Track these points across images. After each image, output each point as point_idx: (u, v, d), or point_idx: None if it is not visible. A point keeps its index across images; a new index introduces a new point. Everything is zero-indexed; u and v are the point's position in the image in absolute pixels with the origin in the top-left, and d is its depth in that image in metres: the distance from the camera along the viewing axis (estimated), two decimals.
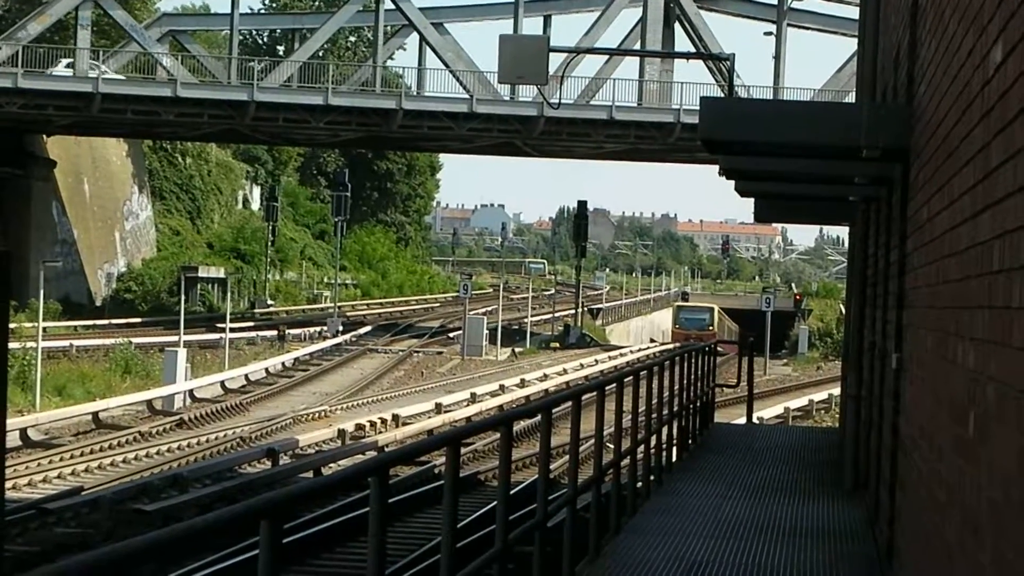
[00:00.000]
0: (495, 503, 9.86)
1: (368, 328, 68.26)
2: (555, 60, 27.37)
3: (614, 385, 12.80)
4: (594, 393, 12.12)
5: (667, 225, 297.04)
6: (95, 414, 34.51)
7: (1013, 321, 4.52)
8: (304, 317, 75.28)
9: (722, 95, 45.23)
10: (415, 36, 66.67)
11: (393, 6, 64.57)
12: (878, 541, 12.00)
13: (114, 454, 28.41)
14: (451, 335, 65.80)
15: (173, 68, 64.20)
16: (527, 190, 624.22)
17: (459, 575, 7.45)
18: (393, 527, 19.99)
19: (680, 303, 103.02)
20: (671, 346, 63.46)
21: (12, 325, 53.60)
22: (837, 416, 32.75)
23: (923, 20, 9.09)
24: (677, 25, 64.53)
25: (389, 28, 68.28)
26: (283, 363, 50.56)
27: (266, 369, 48.04)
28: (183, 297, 51.34)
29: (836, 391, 37.42)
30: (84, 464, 27.07)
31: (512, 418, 9.09)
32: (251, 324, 66.63)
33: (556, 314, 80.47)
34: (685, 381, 17.97)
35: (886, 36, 13.76)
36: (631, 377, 13.62)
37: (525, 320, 73.07)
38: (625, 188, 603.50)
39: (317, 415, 36.38)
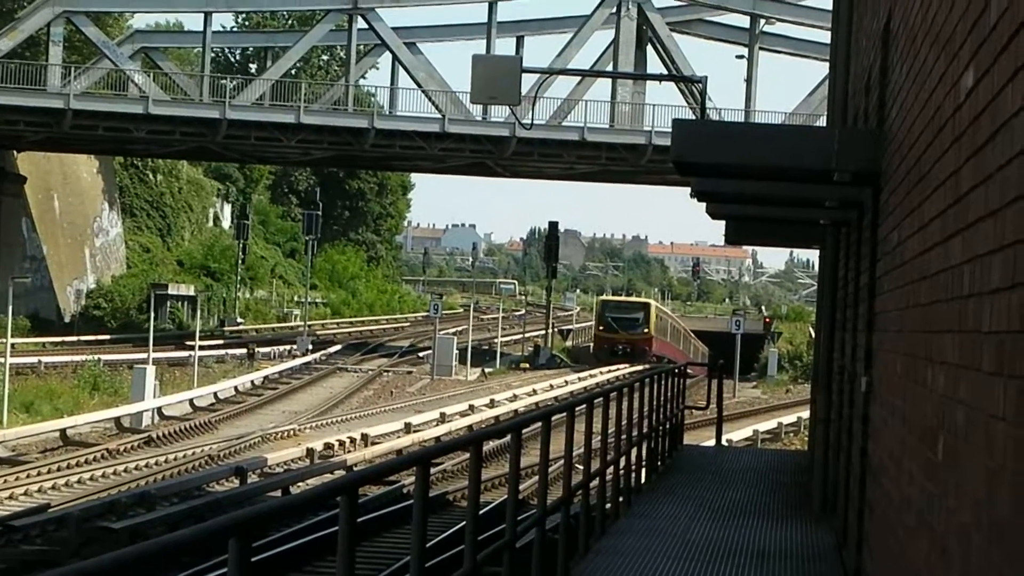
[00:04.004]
0: (464, 523, 9.84)
1: (338, 347, 68.14)
2: (527, 81, 27.38)
3: (584, 406, 12.78)
4: (564, 414, 12.11)
5: (638, 247, 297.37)
6: (63, 431, 34.38)
7: (983, 345, 4.53)
8: (274, 335, 75.14)
9: (694, 117, 45.36)
10: (388, 56, 66.74)
11: (366, 25, 64.57)
12: (846, 564, 12.01)
13: (82, 471, 28.29)
14: (421, 355, 65.69)
15: (145, 85, 64.02)
16: (498, 210, 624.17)
17: None
18: (362, 546, 19.95)
19: (605, 298, 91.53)
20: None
21: None
22: (806, 439, 32.79)
23: (895, 45, 9.12)
24: (649, 47, 64.72)
25: (362, 47, 68.26)
26: (252, 381, 50.43)
27: (235, 387, 47.93)
28: (152, 314, 51.14)
29: (805, 414, 37.43)
30: (51, 481, 26.93)
31: (482, 438, 9.08)
32: (220, 342, 66.48)
33: (526, 334, 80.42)
34: (655, 403, 17.98)
35: (857, 60, 13.81)
36: (601, 398, 13.62)
37: (495, 340, 73.01)
38: (596, 209, 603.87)
39: (286, 433, 36.28)
